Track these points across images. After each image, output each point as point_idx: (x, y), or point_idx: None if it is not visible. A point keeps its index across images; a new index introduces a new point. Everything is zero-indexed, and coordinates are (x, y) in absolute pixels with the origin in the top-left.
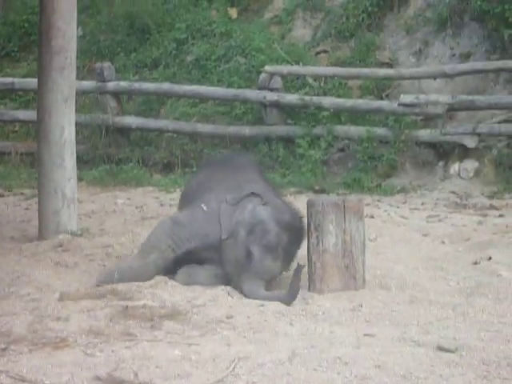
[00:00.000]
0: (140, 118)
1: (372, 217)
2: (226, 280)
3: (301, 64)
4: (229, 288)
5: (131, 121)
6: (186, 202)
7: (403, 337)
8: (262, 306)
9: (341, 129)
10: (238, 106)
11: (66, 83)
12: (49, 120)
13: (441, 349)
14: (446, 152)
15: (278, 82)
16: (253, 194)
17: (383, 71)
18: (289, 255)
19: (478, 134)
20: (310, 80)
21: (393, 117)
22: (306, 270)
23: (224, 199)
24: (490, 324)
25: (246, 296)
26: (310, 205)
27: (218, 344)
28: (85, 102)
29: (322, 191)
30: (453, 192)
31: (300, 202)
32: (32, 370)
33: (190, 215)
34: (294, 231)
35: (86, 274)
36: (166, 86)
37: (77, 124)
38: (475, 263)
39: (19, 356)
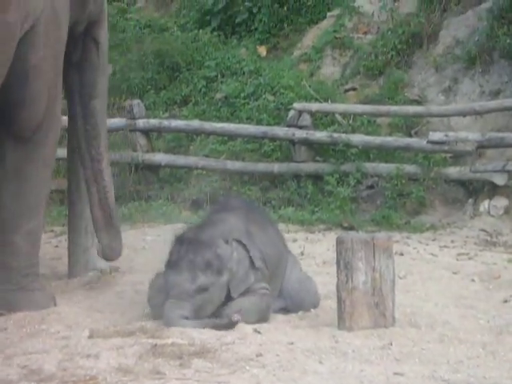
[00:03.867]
0: (169, 155)
1: (401, 254)
2: None
3: (329, 101)
4: (257, 326)
5: (161, 158)
6: None
7: (433, 375)
8: (292, 343)
9: (369, 166)
10: (267, 143)
11: None
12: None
13: None
14: (475, 189)
15: (306, 120)
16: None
17: (412, 108)
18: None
19: (508, 172)
20: (339, 117)
21: (422, 154)
22: (335, 307)
23: None
24: None
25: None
26: (339, 242)
27: (248, 382)
28: (115, 139)
29: (351, 228)
30: (482, 230)
31: (329, 240)
32: None
33: None
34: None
35: (115, 311)
36: (195, 123)
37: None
38: (505, 301)
39: None
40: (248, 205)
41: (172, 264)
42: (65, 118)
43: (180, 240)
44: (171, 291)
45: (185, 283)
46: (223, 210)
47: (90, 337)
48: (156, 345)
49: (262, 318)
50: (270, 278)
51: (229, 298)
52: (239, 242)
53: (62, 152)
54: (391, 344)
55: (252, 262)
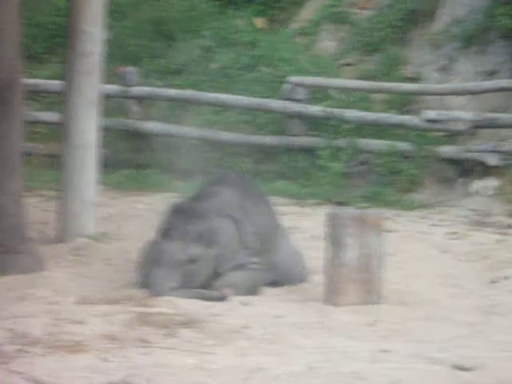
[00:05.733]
0: (163, 123)
1: (391, 231)
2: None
3: (325, 76)
4: (245, 298)
5: (154, 126)
6: None
7: (419, 353)
8: (279, 317)
9: (363, 142)
10: (261, 115)
11: (90, 87)
12: (72, 123)
13: (456, 367)
14: (466, 169)
15: (301, 93)
16: None
17: (407, 86)
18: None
19: (500, 152)
20: (334, 92)
21: (415, 132)
22: (323, 282)
23: None
24: (506, 343)
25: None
26: (329, 217)
27: (234, 354)
28: (109, 106)
29: (342, 203)
30: (473, 209)
31: (319, 214)
32: (46, 372)
33: None
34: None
35: (102, 278)
36: (188, 92)
37: (100, 128)
38: (493, 282)
39: (34, 358)
40: (242, 178)
41: (164, 232)
42: (58, 83)
43: (174, 209)
44: (161, 259)
45: (175, 252)
46: (218, 182)
47: (77, 303)
48: (143, 313)
49: (252, 294)
50: (261, 252)
51: (216, 273)
52: (232, 217)
53: (55, 116)
54: (377, 321)
55: (242, 240)
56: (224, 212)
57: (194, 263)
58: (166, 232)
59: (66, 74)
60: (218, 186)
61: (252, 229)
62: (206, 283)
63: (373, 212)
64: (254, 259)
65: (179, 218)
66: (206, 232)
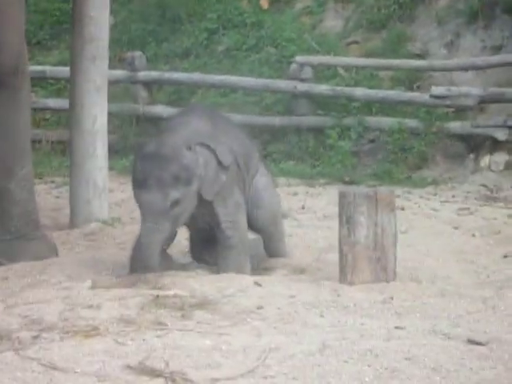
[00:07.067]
0: (171, 107)
1: (402, 209)
2: None
3: (332, 54)
4: (258, 278)
5: (162, 110)
6: None
7: (433, 330)
8: (293, 297)
9: (371, 120)
10: (269, 96)
11: (98, 72)
12: (81, 109)
13: (471, 342)
14: (476, 144)
15: (308, 73)
16: None
17: (414, 62)
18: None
19: (509, 127)
20: (341, 71)
21: (424, 108)
22: (336, 260)
23: None
24: None
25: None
26: (341, 196)
27: (249, 334)
28: (116, 91)
29: (352, 182)
30: (483, 185)
31: (330, 194)
32: (63, 358)
33: None
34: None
35: (116, 262)
36: (196, 75)
37: (108, 113)
38: (505, 256)
39: (51, 344)
40: (208, 108)
41: (140, 183)
42: (65, 69)
43: (143, 156)
44: (145, 212)
45: (157, 202)
46: (184, 114)
47: (92, 287)
48: (158, 296)
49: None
50: (244, 179)
51: (203, 202)
52: (203, 144)
53: (63, 103)
54: (392, 298)
55: (220, 162)
56: (193, 142)
57: (178, 205)
58: (142, 182)
59: (72, 61)
60: (184, 116)
61: (227, 150)
62: (194, 215)
63: (384, 190)
64: (236, 196)
65: (151, 165)
66: (181, 172)
